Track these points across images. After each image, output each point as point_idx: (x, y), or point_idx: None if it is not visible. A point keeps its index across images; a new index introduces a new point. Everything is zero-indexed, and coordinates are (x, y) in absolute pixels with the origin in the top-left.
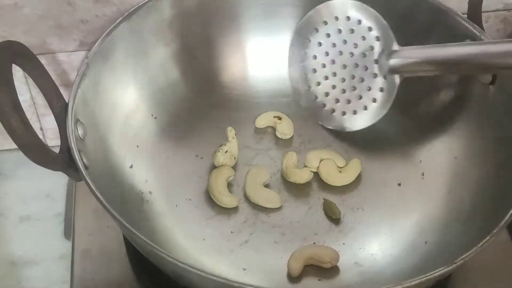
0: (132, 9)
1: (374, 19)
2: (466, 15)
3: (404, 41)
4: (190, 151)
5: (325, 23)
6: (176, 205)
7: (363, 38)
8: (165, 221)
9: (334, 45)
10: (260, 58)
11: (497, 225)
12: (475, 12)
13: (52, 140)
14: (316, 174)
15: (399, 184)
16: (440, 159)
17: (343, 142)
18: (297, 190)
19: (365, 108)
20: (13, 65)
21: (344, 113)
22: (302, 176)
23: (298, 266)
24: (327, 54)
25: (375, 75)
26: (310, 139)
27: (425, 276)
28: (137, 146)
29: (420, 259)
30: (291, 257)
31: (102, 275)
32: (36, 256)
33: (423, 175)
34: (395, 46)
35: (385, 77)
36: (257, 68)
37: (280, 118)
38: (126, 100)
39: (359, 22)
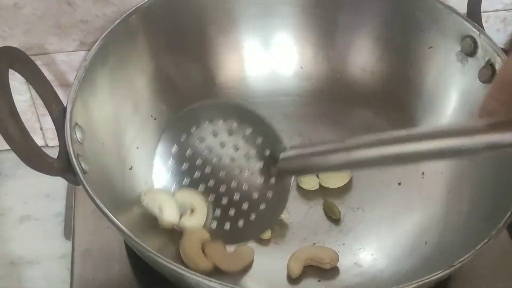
0: (131, 10)
1: (255, 120)
2: (465, 15)
3: (404, 41)
4: None
5: (197, 126)
6: None
7: (245, 139)
8: None
9: (208, 151)
10: (259, 57)
11: (496, 226)
12: (474, 12)
13: (52, 140)
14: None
15: (399, 184)
16: None
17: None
18: (296, 190)
19: (254, 215)
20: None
21: (229, 225)
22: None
23: (298, 267)
24: (199, 162)
25: (262, 179)
26: (310, 138)
27: (422, 280)
28: (137, 148)
29: (420, 260)
30: (291, 258)
31: (102, 275)
32: (36, 256)
33: (423, 174)
34: (282, 146)
35: (274, 180)
36: (256, 67)
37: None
38: (125, 102)
39: (238, 125)
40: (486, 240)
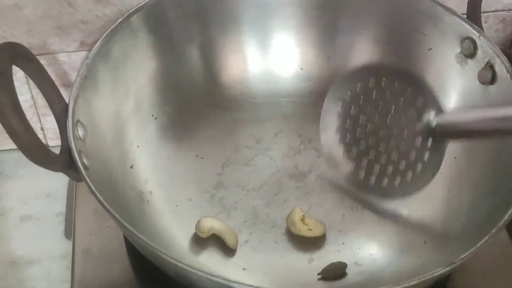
0: (133, 9)
1: (417, 82)
2: (465, 15)
3: (404, 43)
4: (190, 151)
5: (359, 85)
6: (176, 205)
7: (403, 100)
8: (165, 221)
9: (371, 106)
10: (259, 58)
11: (495, 226)
12: (474, 13)
13: (53, 140)
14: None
15: None
16: None
17: None
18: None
19: (411, 174)
20: (14, 66)
21: (387, 181)
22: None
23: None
24: (363, 115)
25: (420, 139)
26: (310, 139)
27: (424, 277)
28: (138, 146)
29: (420, 259)
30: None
31: (103, 274)
32: (36, 255)
33: None
34: (441, 109)
35: (430, 141)
36: (257, 68)
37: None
38: (126, 101)
39: (398, 84)
40: (485, 239)
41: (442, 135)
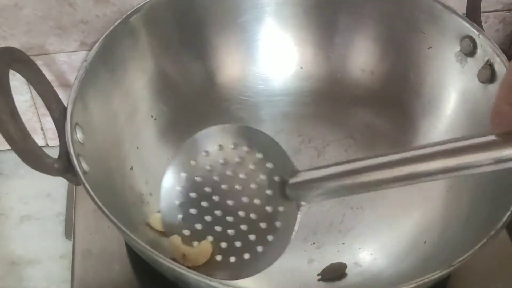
0: (132, 10)
1: (266, 144)
2: (465, 15)
3: (403, 41)
4: None
5: (206, 153)
6: None
7: (253, 167)
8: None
9: (217, 178)
10: (259, 57)
11: (495, 226)
12: (474, 12)
13: (53, 140)
14: None
15: None
16: None
17: (342, 141)
18: None
19: (259, 248)
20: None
21: (235, 259)
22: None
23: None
24: (207, 190)
25: (270, 208)
26: (310, 138)
27: (422, 279)
28: (137, 148)
29: (419, 259)
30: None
31: (103, 274)
32: (36, 255)
33: None
34: (293, 172)
35: (283, 209)
36: (257, 67)
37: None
38: (125, 102)
39: (249, 148)
40: (485, 240)
41: (294, 198)
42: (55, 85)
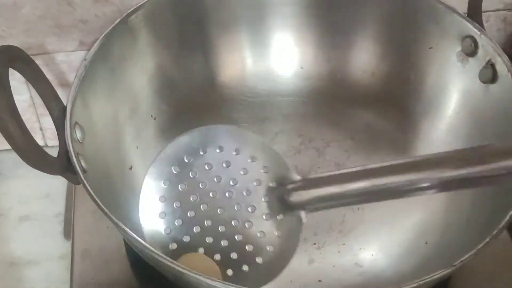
0: (131, 9)
1: (259, 147)
2: (466, 15)
3: (404, 42)
4: None
5: (190, 157)
6: None
7: (245, 171)
8: None
9: (203, 183)
10: (259, 57)
11: (497, 226)
12: (475, 12)
13: (52, 140)
14: None
15: None
16: None
17: (343, 142)
18: None
19: (256, 262)
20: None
21: (231, 271)
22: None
23: None
24: (195, 195)
25: (268, 216)
26: (311, 139)
27: (423, 280)
28: (137, 147)
29: (420, 260)
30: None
31: (102, 275)
32: (35, 256)
33: None
34: (292, 177)
35: (282, 217)
36: (257, 67)
37: None
38: (125, 101)
39: (237, 152)
40: (486, 240)
41: (295, 206)
42: (54, 84)
